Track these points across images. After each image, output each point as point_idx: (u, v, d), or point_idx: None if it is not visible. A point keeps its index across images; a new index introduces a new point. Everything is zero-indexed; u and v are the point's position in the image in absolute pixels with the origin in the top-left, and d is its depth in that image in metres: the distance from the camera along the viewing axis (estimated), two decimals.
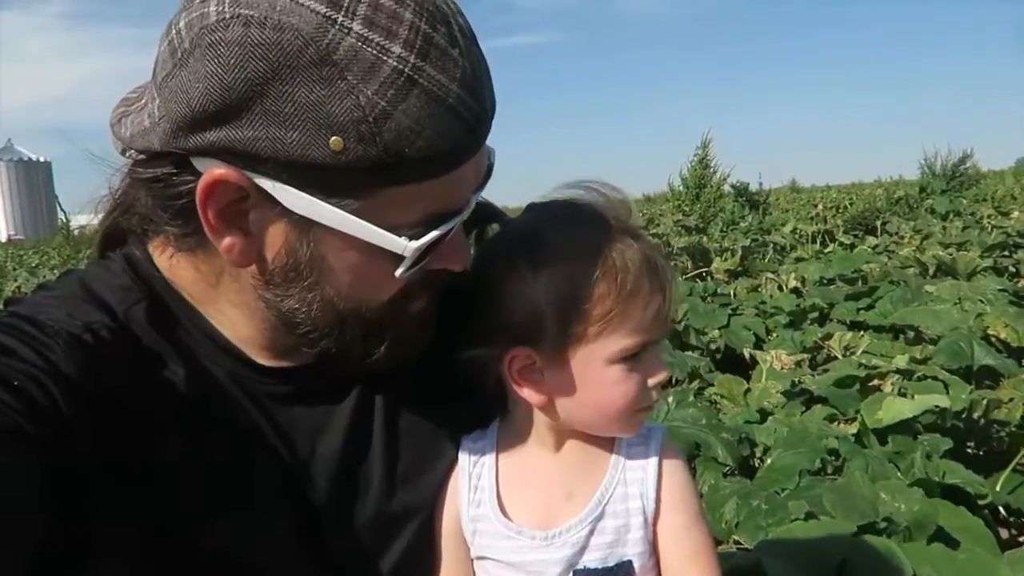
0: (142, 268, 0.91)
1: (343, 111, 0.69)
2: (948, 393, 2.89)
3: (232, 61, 0.69)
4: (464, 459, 0.98)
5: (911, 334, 4.14)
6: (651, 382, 0.92)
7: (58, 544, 0.72)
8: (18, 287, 10.01)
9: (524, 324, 0.89)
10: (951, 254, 6.54)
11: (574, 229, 0.90)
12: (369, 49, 0.69)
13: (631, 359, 0.89)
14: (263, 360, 0.92)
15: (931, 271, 6.11)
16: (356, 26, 0.69)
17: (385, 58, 0.69)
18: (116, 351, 0.82)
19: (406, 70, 0.70)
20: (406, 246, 0.78)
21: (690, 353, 4.11)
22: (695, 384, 3.61)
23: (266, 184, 0.74)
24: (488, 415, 1.01)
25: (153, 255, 0.92)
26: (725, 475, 2.46)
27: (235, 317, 0.90)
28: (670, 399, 2.68)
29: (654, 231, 10.04)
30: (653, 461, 0.94)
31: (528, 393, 0.93)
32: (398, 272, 0.80)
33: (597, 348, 0.88)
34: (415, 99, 0.71)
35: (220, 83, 0.70)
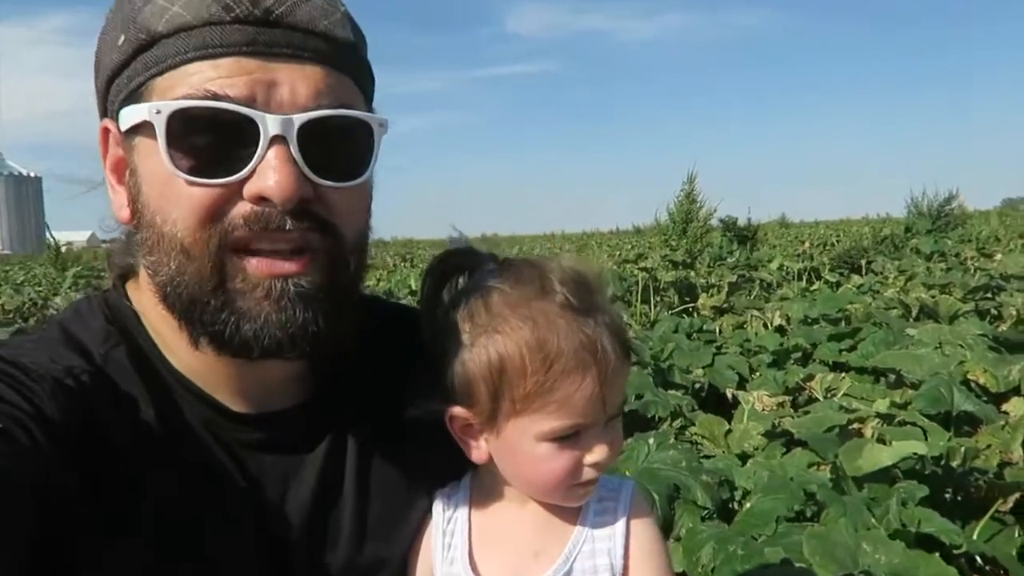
0: (117, 308, 0.94)
1: (128, 11, 0.83)
2: (927, 439, 2.91)
3: None
4: (438, 514, 0.99)
5: (892, 377, 4.17)
6: (588, 461, 0.90)
7: None
8: (1, 304, 9.91)
9: (460, 386, 0.90)
10: (934, 296, 6.60)
11: (519, 300, 0.89)
12: None
13: (564, 439, 0.89)
14: (236, 407, 0.93)
15: (914, 313, 6.16)
16: None
17: None
18: (95, 395, 0.84)
19: None
20: (148, 108, 0.80)
21: (673, 392, 4.13)
22: (677, 423, 3.62)
23: (118, 119, 0.86)
24: (462, 466, 1.02)
25: (130, 293, 0.95)
26: (703, 519, 2.45)
27: (181, 347, 0.89)
28: (651, 440, 2.68)
29: (643, 265, 10.08)
30: (622, 518, 0.95)
31: (472, 452, 0.94)
32: (161, 151, 0.79)
33: (527, 423, 0.88)
34: None
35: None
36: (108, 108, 0.88)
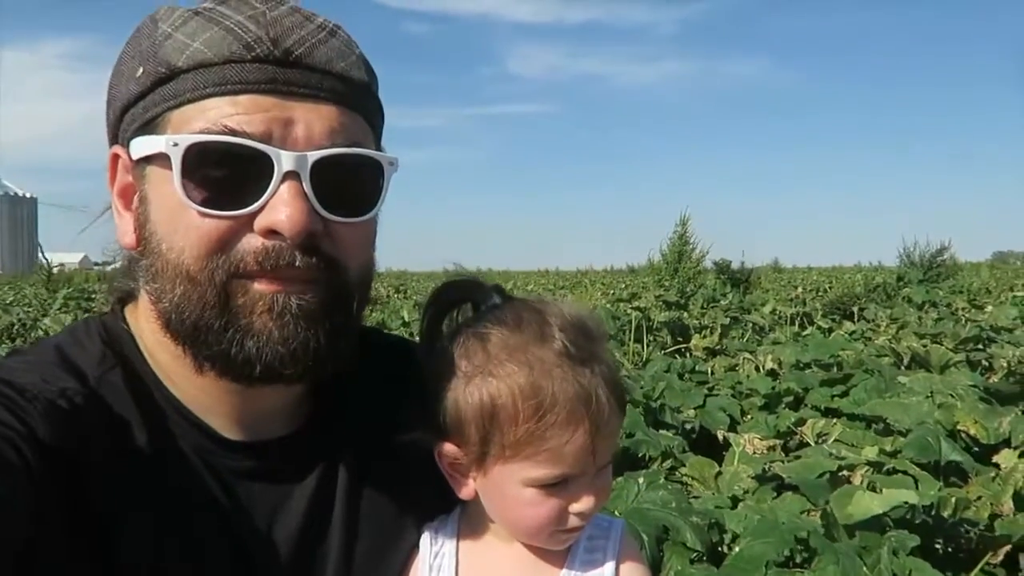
0: (114, 332, 0.94)
1: (147, 45, 0.85)
2: (917, 488, 2.89)
3: None
4: (425, 548, 0.98)
5: (882, 425, 4.16)
6: (574, 509, 0.89)
7: None
8: None
9: (451, 424, 0.90)
10: (925, 345, 6.62)
11: (518, 344, 0.89)
12: (185, 5, 0.85)
13: (551, 486, 0.88)
14: (229, 434, 0.92)
15: (905, 361, 6.17)
16: None
17: (192, 7, 0.84)
18: (88, 418, 0.84)
19: (199, 7, 0.84)
20: (166, 140, 0.82)
21: (664, 432, 4.10)
22: (667, 464, 3.59)
23: (129, 147, 0.87)
24: (451, 501, 1.01)
25: (128, 317, 0.95)
26: (693, 561, 2.43)
27: (177, 372, 0.90)
28: (640, 480, 2.66)
29: (636, 304, 10.10)
30: (611, 558, 0.94)
31: (459, 489, 0.94)
32: (176, 182, 0.81)
33: (515, 468, 0.88)
34: (194, 23, 0.83)
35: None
36: (120, 135, 0.89)
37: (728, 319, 9.83)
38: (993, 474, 3.34)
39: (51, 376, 0.85)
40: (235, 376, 0.86)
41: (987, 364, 6.51)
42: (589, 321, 0.93)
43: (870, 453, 3.20)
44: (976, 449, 3.73)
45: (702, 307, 12.72)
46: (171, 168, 0.81)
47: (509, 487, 0.89)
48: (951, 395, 4.17)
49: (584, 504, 0.89)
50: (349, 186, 0.86)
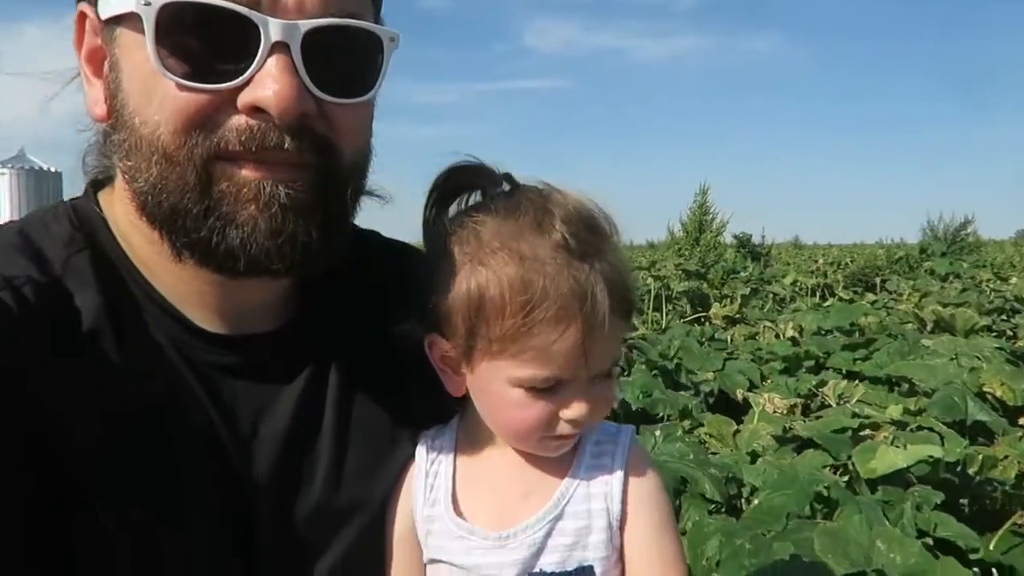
0: (85, 214, 0.86)
1: None
2: (943, 445, 2.83)
3: None
4: (421, 456, 0.92)
5: (905, 386, 4.09)
6: (565, 415, 0.83)
7: None
8: None
9: (440, 314, 0.84)
10: (950, 311, 6.51)
11: (512, 232, 0.82)
12: None
13: (540, 390, 0.82)
14: (209, 327, 0.85)
15: (929, 327, 6.07)
16: None
17: None
18: (39, 310, 0.76)
19: None
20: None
21: (683, 393, 4.05)
22: (686, 423, 3.55)
23: (97, 5, 0.78)
24: (450, 409, 0.95)
25: (101, 200, 0.87)
26: (710, 512, 2.39)
27: (152, 259, 0.83)
28: (657, 433, 2.62)
29: (656, 273, 10.02)
30: (619, 463, 0.88)
31: (448, 383, 0.89)
32: (149, 48, 0.72)
33: (502, 365, 0.82)
34: None
35: None
36: None
37: (748, 289, 9.74)
38: (1020, 434, 3.27)
39: (4, 262, 0.78)
40: (216, 267, 0.78)
41: (1011, 334, 6.40)
42: (598, 214, 0.86)
43: (894, 412, 3.14)
44: (1001, 412, 3.66)
45: (722, 278, 12.61)
46: (143, 32, 0.73)
47: (496, 385, 0.83)
48: (977, 357, 4.09)
49: (575, 411, 0.83)
50: (345, 62, 0.78)
